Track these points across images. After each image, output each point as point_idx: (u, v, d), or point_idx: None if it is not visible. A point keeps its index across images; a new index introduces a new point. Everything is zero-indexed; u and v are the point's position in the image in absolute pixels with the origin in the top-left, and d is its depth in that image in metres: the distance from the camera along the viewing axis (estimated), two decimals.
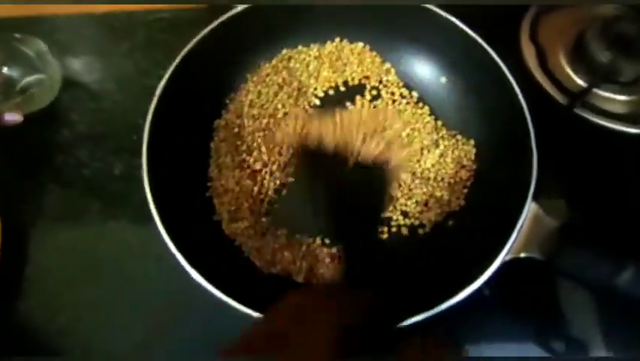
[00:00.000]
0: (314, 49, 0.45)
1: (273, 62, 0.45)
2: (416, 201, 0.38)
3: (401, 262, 0.35)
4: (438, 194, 0.38)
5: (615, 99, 0.44)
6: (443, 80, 0.44)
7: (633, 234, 0.37)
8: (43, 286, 0.40)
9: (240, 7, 0.41)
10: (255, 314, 0.29)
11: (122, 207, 0.44)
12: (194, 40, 0.39)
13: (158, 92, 0.37)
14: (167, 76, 0.37)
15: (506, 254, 0.29)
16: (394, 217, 0.38)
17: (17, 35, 0.47)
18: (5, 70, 0.47)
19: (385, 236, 0.38)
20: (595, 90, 0.44)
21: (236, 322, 0.29)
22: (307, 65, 0.45)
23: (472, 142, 0.41)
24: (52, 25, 0.53)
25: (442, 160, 0.39)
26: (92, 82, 0.50)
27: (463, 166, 0.39)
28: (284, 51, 0.45)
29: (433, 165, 0.39)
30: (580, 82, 0.45)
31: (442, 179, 0.39)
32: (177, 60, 0.38)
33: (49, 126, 0.47)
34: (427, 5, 0.39)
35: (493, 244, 0.30)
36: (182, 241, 0.31)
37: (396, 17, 0.42)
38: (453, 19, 0.39)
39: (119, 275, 0.41)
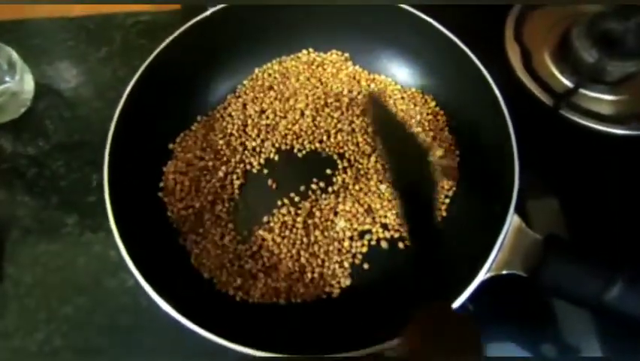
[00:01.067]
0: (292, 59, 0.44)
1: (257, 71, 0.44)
2: (396, 213, 0.36)
3: (380, 277, 0.34)
4: None
5: (601, 99, 0.43)
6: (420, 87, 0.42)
7: (621, 239, 0.36)
8: (19, 302, 0.38)
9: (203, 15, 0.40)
10: (218, 339, 0.27)
11: (100, 220, 0.42)
12: (158, 49, 0.38)
13: (122, 103, 0.36)
14: (130, 85, 0.37)
15: (487, 272, 0.28)
16: (374, 230, 0.37)
17: None
18: None
19: (365, 249, 0.36)
20: (581, 90, 0.42)
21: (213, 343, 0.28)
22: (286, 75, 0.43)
23: (456, 152, 0.39)
24: (26, 30, 0.51)
25: None
26: (68, 89, 0.48)
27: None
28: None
29: None
30: (565, 82, 0.44)
31: None
32: (139, 72, 0.37)
33: (22, 137, 0.45)
34: (405, 6, 0.38)
35: (475, 259, 0.28)
36: (143, 260, 0.31)
37: (372, 19, 0.40)
38: (432, 21, 0.38)
39: (98, 289, 0.39)
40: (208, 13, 0.40)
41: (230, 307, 0.33)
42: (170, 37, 0.39)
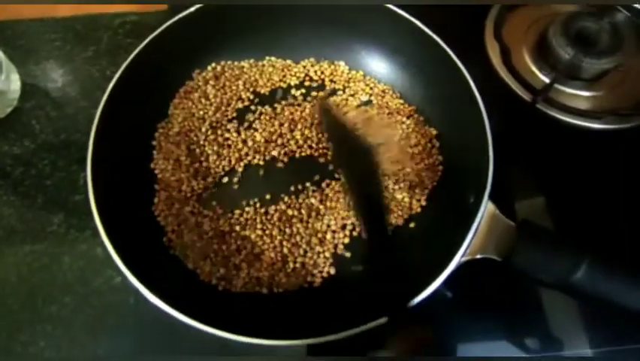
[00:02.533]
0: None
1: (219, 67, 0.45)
2: None
3: (360, 264, 0.35)
4: (399, 196, 0.38)
5: (578, 95, 0.44)
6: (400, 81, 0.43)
7: (592, 228, 0.37)
8: (3, 302, 0.38)
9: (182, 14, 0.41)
10: (201, 326, 0.28)
11: (87, 219, 0.42)
12: (138, 48, 0.39)
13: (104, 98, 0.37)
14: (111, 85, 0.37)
15: (462, 256, 0.29)
16: (353, 220, 0.37)
17: None
18: None
19: (347, 240, 0.37)
20: (558, 87, 0.44)
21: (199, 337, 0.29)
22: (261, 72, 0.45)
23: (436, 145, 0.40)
24: (13, 30, 0.52)
25: None
26: (55, 89, 0.49)
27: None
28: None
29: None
30: (543, 78, 0.45)
31: (404, 181, 0.38)
32: (120, 71, 0.38)
33: (8, 136, 0.46)
34: (388, 5, 0.39)
35: (450, 246, 0.29)
36: (128, 254, 0.31)
37: (351, 16, 0.42)
38: (412, 18, 0.39)
39: (84, 288, 0.39)
40: (186, 12, 0.40)
41: (215, 296, 0.34)
42: (151, 36, 0.40)
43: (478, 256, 0.30)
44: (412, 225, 0.37)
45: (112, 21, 0.52)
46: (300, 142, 0.42)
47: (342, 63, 0.45)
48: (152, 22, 0.52)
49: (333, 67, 0.44)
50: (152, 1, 0.53)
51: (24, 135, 0.46)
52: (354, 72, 0.44)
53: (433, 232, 0.34)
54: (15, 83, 0.46)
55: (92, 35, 0.51)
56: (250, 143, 0.42)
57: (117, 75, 0.38)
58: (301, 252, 0.36)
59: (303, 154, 0.42)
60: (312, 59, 0.45)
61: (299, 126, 0.42)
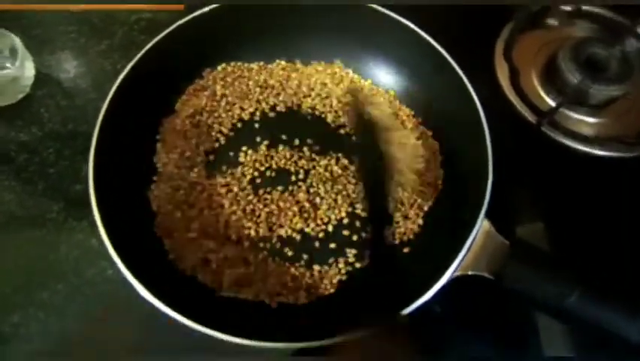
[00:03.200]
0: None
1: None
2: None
3: (357, 278, 0.35)
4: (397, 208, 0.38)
5: (584, 121, 0.45)
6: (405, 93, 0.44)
7: (590, 255, 0.37)
8: None
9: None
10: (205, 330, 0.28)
11: (86, 209, 0.42)
12: (149, 44, 0.40)
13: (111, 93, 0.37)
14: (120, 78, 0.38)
15: (454, 271, 0.29)
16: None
17: None
18: None
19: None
20: (564, 111, 0.44)
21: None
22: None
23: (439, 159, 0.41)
24: (30, 20, 0.53)
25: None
26: (67, 79, 0.50)
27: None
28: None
29: None
30: (550, 102, 0.45)
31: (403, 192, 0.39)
32: (130, 65, 0.38)
33: (17, 123, 0.46)
34: (398, 18, 0.39)
35: (443, 260, 0.29)
36: (124, 247, 0.31)
37: (354, 21, 0.42)
38: (422, 32, 0.39)
39: (78, 277, 0.40)
40: (200, 12, 0.41)
41: (210, 296, 0.34)
42: (163, 33, 0.40)
43: (470, 273, 0.29)
44: (405, 237, 0.37)
45: (128, 17, 0.53)
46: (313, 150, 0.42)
47: (349, 71, 0.45)
48: (166, 19, 0.52)
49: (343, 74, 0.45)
50: (170, 0, 0.54)
51: (32, 122, 0.47)
52: (362, 81, 0.45)
53: (427, 245, 0.34)
54: (29, 71, 0.47)
55: (107, 29, 0.52)
56: (260, 149, 0.42)
57: (126, 69, 0.38)
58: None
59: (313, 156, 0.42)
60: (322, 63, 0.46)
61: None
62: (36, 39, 0.51)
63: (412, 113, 0.43)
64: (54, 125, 0.47)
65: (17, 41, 0.46)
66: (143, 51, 0.40)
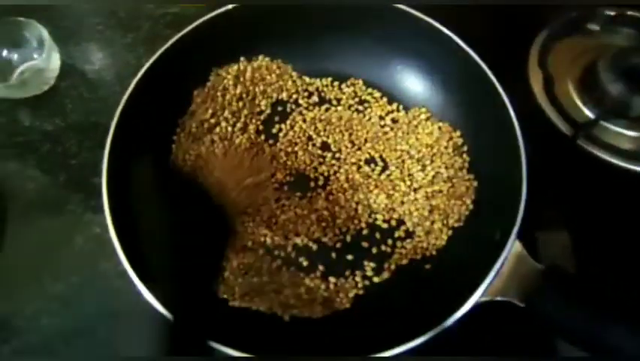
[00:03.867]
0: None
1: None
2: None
3: (374, 293, 0.33)
4: (423, 225, 0.36)
5: (622, 134, 0.41)
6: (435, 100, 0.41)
7: (629, 281, 0.34)
8: (13, 274, 0.39)
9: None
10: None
11: (103, 201, 0.42)
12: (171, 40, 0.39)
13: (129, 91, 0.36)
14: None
15: (481, 296, 0.26)
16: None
17: (21, 19, 0.46)
18: (5, 53, 0.47)
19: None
20: (602, 123, 0.41)
21: None
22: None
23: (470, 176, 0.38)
24: (59, 11, 0.52)
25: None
26: (91, 71, 0.49)
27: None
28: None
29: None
30: (587, 113, 0.42)
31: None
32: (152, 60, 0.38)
33: (41, 113, 0.46)
34: (428, 20, 0.37)
35: (469, 283, 0.27)
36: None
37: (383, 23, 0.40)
38: (456, 38, 0.37)
39: (92, 271, 0.39)
40: (223, 9, 0.40)
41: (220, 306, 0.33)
42: (183, 31, 0.39)
43: (498, 298, 0.27)
44: (428, 252, 0.35)
45: (154, 11, 0.53)
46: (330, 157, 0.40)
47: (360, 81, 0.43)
48: (192, 15, 0.52)
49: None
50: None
51: (56, 113, 0.46)
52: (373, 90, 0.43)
53: (451, 264, 0.31)
54: (55, 62, 0.47)
55: (133, 23, 0.52)
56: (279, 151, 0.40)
57: (145, 66, 0.37)
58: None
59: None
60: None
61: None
62: (63, 30, 0.51)
63: (445, 124, 0.41)
64: (77, 117, 0.46)
65: (45, 33, 0.45)
66: (163, 48, 0.38)
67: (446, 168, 0.38)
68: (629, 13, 0.46)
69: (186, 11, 0.53)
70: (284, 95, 0.43)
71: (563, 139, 0.40)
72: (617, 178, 0.39)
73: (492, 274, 0.26)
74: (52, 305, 0.37)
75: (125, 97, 0.36)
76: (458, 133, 0.39)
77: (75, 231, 0.41)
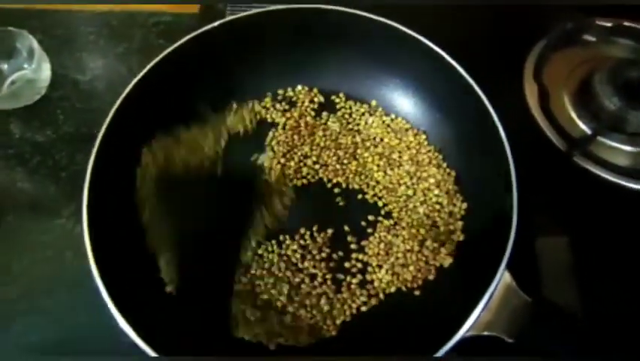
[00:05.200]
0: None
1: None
2: (386, 270, 0.34)
3: (361, 321, 0.32)
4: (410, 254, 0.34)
5: (619, 149, 0.39)
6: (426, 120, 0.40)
7: (622, 300, 0.32)
8: (2, 289, 0.38)
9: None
10: None
11: None
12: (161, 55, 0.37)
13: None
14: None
15: (467, 330, 0.25)
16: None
17: (11, 29, 0.45)
18: None
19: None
20: (598, 138, 0.39)
21: None
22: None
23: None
24: (52, 20, 0.51)
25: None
26: (83, 81, 0.48)
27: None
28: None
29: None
30: (583, 127, 0.40)
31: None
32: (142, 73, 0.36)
33: (33, 124, 0.45)
34: (418, 36, 0.35)
35: (455, 317, 0.26)
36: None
37: (373, 43, 0.38)
38: (445, 54, 0.35)
39: (82, 286, 0.38)
40: (216, 24, 0.38)
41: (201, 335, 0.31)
42: (171, 47, 0.38)
43: (485, 333, 0.26)
44: (416, 282, 0.33)
45: (147, 19, 0.51)
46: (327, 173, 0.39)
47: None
48: (185, 24, 0.51)
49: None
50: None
51: (48, 124, 0.45)
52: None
53: (436, 298, 0.30)
54: (45, 73, 0.45)
55: (126, 32, 0.51)
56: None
57: (134, 81, 0.36)
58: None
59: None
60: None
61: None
62: (56, 39, 0.50)
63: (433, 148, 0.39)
64: (68, 128, 0.45)
65: (35, 43, 0.44)
66: (152, 63, 0.37)
67: (436, 194, 0.36)
68: (626, 24, 0.44)
69: (180, 20, 0.51)
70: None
71: (558, 155, 0.38)
72: (614, 196, 0.37)
73: (479, 307, 0.25)
74: (41, 321, 0.36)
75: (113, 110, 0.35)
76: (445, 162, 0.38)
77: (66, 245, 0.39)
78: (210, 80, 0.40)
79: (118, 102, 0.35)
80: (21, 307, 0.37)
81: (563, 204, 0.39)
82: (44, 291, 0.37)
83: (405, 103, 0.40)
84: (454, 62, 0.34)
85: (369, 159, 0.38)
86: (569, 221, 0.38)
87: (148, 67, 0.36)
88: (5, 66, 0.45)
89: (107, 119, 0.35)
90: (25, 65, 0.45)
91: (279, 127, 0.41)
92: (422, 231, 0.34)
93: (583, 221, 0.38)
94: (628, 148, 0.39)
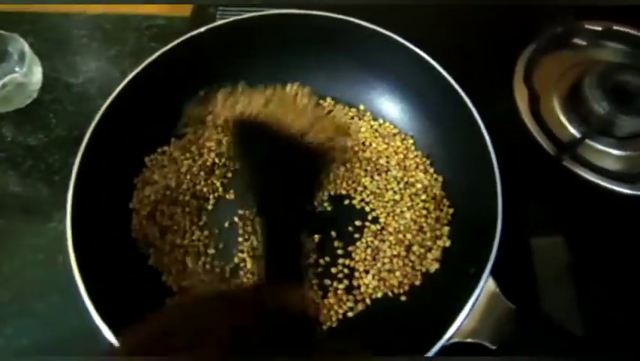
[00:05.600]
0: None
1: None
2: (372, 275, 0.34)
3: (347, 326, 0.31)
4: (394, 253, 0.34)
5: (608, 153, 0.39)
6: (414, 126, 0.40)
7: (614, 304, 0.32)
8: None
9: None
10: None
11: None
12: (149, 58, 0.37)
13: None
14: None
15: (451, 337, 0.25)
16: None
17: (2, 32, 0.45)
18: None
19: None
20: (587, 141, 0.39)
21: None
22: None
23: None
24: (44, 23, 0.51)
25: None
26: (75, 84, 0.48)
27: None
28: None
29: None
30: (573, 131, 0.40)
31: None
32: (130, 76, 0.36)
33: (24, 128, 0.45)
34: (405, 42, 0.35)
35: (438, 324, 0.26)
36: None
37: (361, 48, 0.38)
38: (431, 60, 0.35)
39: (74, 289, 0.38)
40: (204, 29, 0.38)
41: None
42: (160, 51, 0.38)
43: (469, 340, 0.26)
44: (402, 287, 0.33)
45: (140, 23, 0.51)
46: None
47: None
48: (178, 27, 0.51)
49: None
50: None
51: (40, 128, 0.45)
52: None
53: (422, 304, 0.30)
54: (36, 76, 0.45)
55: (119, 35, 0.50)
56: None
57: (129, 77, 0.36)
58: None
59: None
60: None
61: None
62: (48, 42, 0.50)
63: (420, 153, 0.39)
64: (61, 132, 0.45)
65: (26, 46, 0.44)
66: (145, 63, 0.37)
67: (423, 199, 0.36)
68: (615, 28, 0.44)
69: (173, 23, 0.51)
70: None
71: (547, 159, 0.38)
72: (603, 199, 0.37)
73: (463, 314, 0.25)
74: (32, 325, 0.36)
75: (101, 112, 0.35)
76: (432, 167, 0.38)
77: (57, 249, 0.39)
78: (199, 84, 0.40)
79: (106, 104, 0.35)
80: (12, 309, 0.37)
81: (553, 208, 0.39)
82: (36, 294, 0.37)
83: (393, 108, 0.40)
84: (440, 68, 0.34)
85: (357, 164, 0.38)
86: (558, 225, 0.38)
87: (136, 70, 0.36)
88: None
89: (94, 121, 0.35)
90: (17, 69, 0.45)
91: None
92: (409, 236, 0.34)
93: (572, 225, 0.38)
94: (617, 152, 0.39)
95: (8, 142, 0.44)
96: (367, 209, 0.37)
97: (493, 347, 0.25)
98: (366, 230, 0.36)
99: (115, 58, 0.49)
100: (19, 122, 0.45)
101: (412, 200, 0.36)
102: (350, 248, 0.35)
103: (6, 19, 0.50)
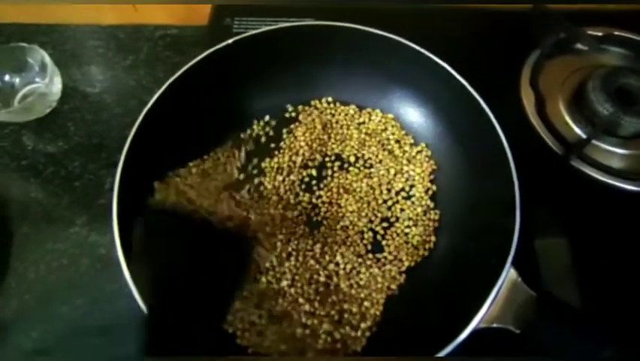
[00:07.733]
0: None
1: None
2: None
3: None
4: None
5: (613, 152, 0.42)
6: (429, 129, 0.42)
7: (623, 302, 0.34)
8: (20, 297, 0.39)
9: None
10: None
11: (108, 223, 0.42)
12: (190, 63, 0.39)
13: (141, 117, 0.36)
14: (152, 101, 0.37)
15: (478, 323, 0.27)
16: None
17: (24, 45, 0.47)
18: (7, 78, 0.47)
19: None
20: (593, 142, 0.41)
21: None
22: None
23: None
24: (60, 34, 0.53)
25: None
26: (93, 94, 0.50)
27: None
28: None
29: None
30: (578, 132, 0.43)
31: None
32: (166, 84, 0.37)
33: (45, 136, 0.47)
34: (419, 48, 0.38)
35: (466, 311, 0.28)
36: None
37: (381, 57, 0.41)
38: (446, 65, 0.38)
39: (98, 292, 0.39)
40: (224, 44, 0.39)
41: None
42: (198, 58, 0.39)
43: (495, 325, 0.28)
44: (427, 283, 0.35)
45: (153, 33, 0.53)
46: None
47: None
48: (191, 37, 0.53)
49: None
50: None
51: (59, 136, 0.47)
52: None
53: (448, 293, 0.32)
54: (57, 86, 0.47)
55: (133, 45, 0.52)
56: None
57: (158, 93, 0.38)
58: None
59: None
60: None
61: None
62: (65, 53, 0.51)
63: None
64: (80, 139, 0.47)
65: (47, 57, 0.46)
66: (178, 73, 0.39)
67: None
68: (616, 33, 0.47)
69: (185, 33, 0.53)
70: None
71: (555, 158, 0.41)
72: (609, 196, 0.40)
73: (488, 301, 0.27)
74: (58, 327, 0.38)
75: (141, 116, 0.36)
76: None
77: (81, 252, 0.41)
78: (227, 93, 0.42)
79: (136, 124, 0.36)
80: (38, 313, 0.38)
81: (561, 205, 0.41)
82: (61, 298, 0.39)
83: (413, 113, 0.43)
84: (459, 77, 0.37)
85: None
86: (567, 221, 0.40)
87: (165, 85, 0.38)
88: (17, 80, 0.47)
89: (127, 145, 0.36)
90: (38, 79, 0.47)
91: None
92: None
93: (580, 221, 0.40)
94: (621, 151, 0.42)
95: (29, 150, 0.46)
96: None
97: (517, 331, 0.27)
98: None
99: (130, 67, 0.51)
100: (39, 130, 0.47)
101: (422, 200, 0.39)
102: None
103: (23, 31, 0.52)
